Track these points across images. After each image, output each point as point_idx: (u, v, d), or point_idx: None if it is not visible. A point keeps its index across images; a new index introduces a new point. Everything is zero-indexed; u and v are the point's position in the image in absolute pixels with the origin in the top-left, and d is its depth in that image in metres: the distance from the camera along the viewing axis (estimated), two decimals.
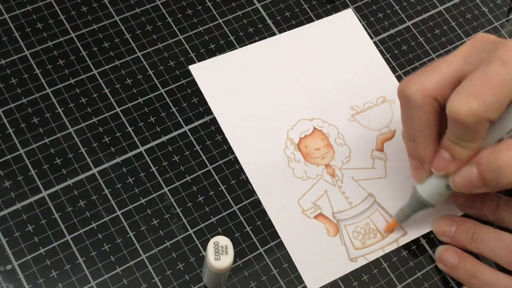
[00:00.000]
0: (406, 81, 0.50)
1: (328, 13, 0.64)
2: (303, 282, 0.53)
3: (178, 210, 0.54)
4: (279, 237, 0.54)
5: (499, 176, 0.47)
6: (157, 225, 0.53)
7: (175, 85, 0.58)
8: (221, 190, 0.55)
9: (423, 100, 0.49)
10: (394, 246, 0.55)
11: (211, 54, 0.60)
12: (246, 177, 0.56)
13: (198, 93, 0.58)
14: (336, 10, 0.64)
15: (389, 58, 0.63)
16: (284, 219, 0.55)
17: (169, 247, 0.52)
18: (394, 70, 0.63)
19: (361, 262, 0.54)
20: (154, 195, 0.54)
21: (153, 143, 0.56)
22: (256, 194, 0.55)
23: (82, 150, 0.55)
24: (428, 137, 0.50)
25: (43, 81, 0.57)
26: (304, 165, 0.57)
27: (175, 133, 0.57)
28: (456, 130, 0.48)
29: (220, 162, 0.56)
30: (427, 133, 0.50)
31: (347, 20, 0.64)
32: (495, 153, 0.47)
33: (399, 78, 0.62)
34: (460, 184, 0.50)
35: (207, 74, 0.59)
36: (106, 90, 0.57)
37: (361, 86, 0.61)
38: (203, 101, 0.58)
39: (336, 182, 0.57)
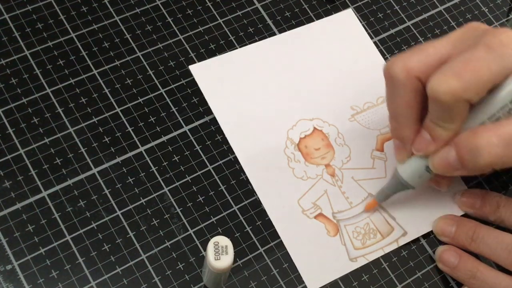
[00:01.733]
0: (392, 60, 0.50)
1: (328, 13, 0.64)
2: (303, 282, 0.53)
3: (178, 210, 0.54)
4: (279, 237, 0.54)
5: (476, 157, 0.47)
6: (157, 225, 0.53)
7: (175, 85, 0.58)
8: (221, 190, 0.55)
9: (407, 79, 0.49)
10: (394, 246, 0.55)
11: (211, 54, 0.60)
12: (246, 177, 0.56)
13: (198, 93, 0.58)
14: (336, 10, 0.64)
15: (389, 58, 0.63)
16: (284, 219, 0.55)
17: (169, 247, 0.52)
18: None
19: (361, 262, 0.54)
20: (154, 195, 0.54)
21: (153, 143, 0.56)
22: (256, 194, 0.55)
23: (82, 150, 0.55)
24: (410, 117, 0.51)
25: (43, 81, 0.57)
26: (304, 165, 0.57)
27: (175, 133, 0.57)
28: (436, 109, 0.48)
29: (220, 162, 0.56)
30: (410, 112, 0.50)
31: (347, 20, 0.64)
32: (474, 135, 0.47)
33: None
34: (438, 164, 0.50)
35: (207, 74, 0.59)
36: (106, 90, 0.57)
37: (361, 86, 0.61)
38: (203, 101, 0.58)
39: (336, 182, 0.57)
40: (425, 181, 0.53)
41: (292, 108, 0.59)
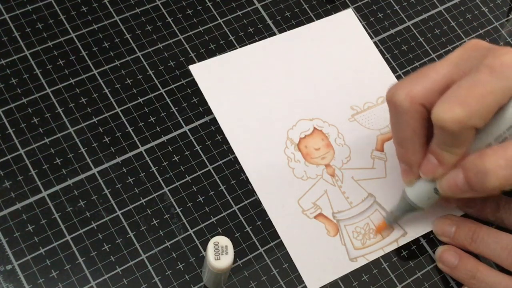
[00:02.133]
0: (395, 88, 0.50)
1: (328, 13, 0.64)
2: (303, 282, 0.53)
3: (178, 210, 0.54)
4: (279, 237, 0.54)
5: (484, 180, 0.47)
6: (157, 225, 0.53)
7: (175, 85, 0.58)
8: (221, 190, 0.55)
9: (411, 107, 0.49)
10: (394, 246, 0.55)
11: (211, 54, 0.60)
12: (246, 177, 0.56)
13: (198, 93, 0.58)
14: (336, 10, 0.64)
15: (389, 58, 0.63)
16: (284, 219, 0.55)
17: (169, 247, 0.52)
18: (394, 70, 0.63)
19: (361, 262, 0.54)
20: (154, 195, 0.54)
21: (153, 143, 0.56)
22: (256, 194, 0.55)
23: (82, 150, 0.55)
24: (416, 142, 0.51)
25: (43, 81, 0.57)
26: (304, 165, 0.57)
27: (175, 133, 0.57)
28: (442, 136, 0.48)
29: (220, 162, 0.56)
30: (415, 138, 0.50)
31: (347, 20, 0.64)
32: (481, 157, 0.47)
33: (399, 78, 0.62)
34: (446, 188, 0.50)
35: (207, 74, 0.59)
36: (106, 90, 0.57)
37: (361, 86, 0.61)
38: (203, 101, 0.58)
39: (336, 182, 0.57)
40: (434, 201, 0.53)
41: (292, 108, 0.59)
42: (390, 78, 0.62)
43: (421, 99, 0.49)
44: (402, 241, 0.55)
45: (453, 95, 0.47)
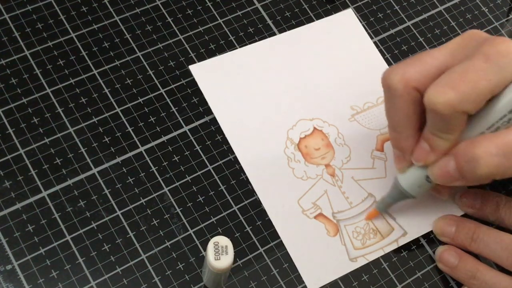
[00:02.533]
0: (389, 71, 0.50)
1: (328, 13, 0.64)
2: (303, 282, 0.53)
3: (178, 210, 0.54)
4: (279, 237, 0.54)
5: (475, 167, 0.47)
6: (157, 225, 0.53)
7: (175, 85, 0.58)
8: (221, 190, 0.55)
9: (405, 90, 0.49)
10: (394, 246, 0.55)
11: (211, 54, 0.60)
12: (246, 177, 0.56)
13: (198, 93, 0.58)
14: (336, 10, 0.64)
15: (389, 58, 0.63)
16: (284, 219, 0.55)
17: (169, 247, 0.52)
18: None
19: (361, 262, 0.54)
20: (154, 195, 0.54)
21: (153, 143, 0.56)
22: (256, 194, 0.55)
23: (82, 150, 0.55)
24: (409, 128, 0.50)
25: (43, 81, 0.57)
26: (304, 165, 0.57)
27: (175, 133, 0.57)
28: (434, 120, 0.48)
29: (220, 162, 0.56)
30: (408, 123, 0.50)
31: (347, 20, 0.64)
32: (472, 144, 0.47)
33: None
34: (437, 175, 0.50)
35: (207, 74, 0.59)
36: (106, 90, 0.57)
37: (361, 86, 0.61)
38: (203, 101, 0.58)
39: (336, 182, 0.57)
40: (426, 190, 0.53)
41: (292, 108, 0.59)
42: None
43: (415, 82, 0.49)
44: (402, 241, 0.55)
45: (446, 79, 0.47)
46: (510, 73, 0.46)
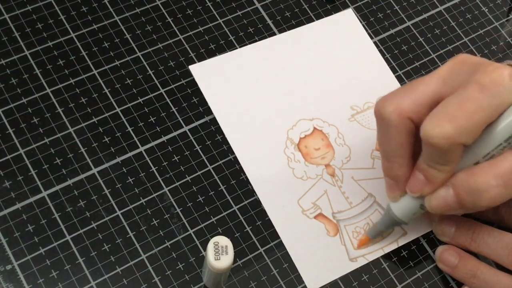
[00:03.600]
0: (383, 100, 0.50)
1: (328, 13, 0.64)
2: (303, 282, 0.53)
3: (178, 210, 0.54)
4: (279, 237, 0.54)
5: (477, 198, 0.47)
6: (157, 225, 0.53)
7: (175, 85, 0.59)
8: (221, 190, 0.55)
9: (399, 121, 0.49)
10: (394, 246, 0.55)
11: (211, 54, 0.60)
12: (246, 177, 0.56)
13: (198, 93, 0.58)
14: (336, 10, 0.64)
15: (389, 58, 0.63)
16: (284, 219, 0.55)
17: (169, 247, 0.52)
18: (394, 70, 0.63)
19: (361, 262, 0.54)
20: (154, 195, 0.54)
21: (153, 143, 0.56)
22: (256, 194, 0.55)
23: (82, 150, 0.55)
24: (402, 157, 0.50)
25: (43, 81, 0.57)
26: (304, 165, 0.57)
27: (175, 133, 0.57)
28: (430, 153, 0.48)
29: (220, 162, 0.56)
30: (402, 153, 0.50)
31: (347, 20, 0.64)
32: (473, 176, 0.47)
33: (399, 78, 0.62)
34: (436, 206, 0.50)
35: (207, 74, 0.59)
36: (106, 90, 0.57)
37: (361, 86, 0.61)
38: (203, 101, 0.58)
39: (336, 182, 0.57)
40: (418, 216, 0.53)
41: (292, 108, 0.59)
42: (390, 78, 0.62)
43: (409, 113, 0.48)
44: (402, 241, 0.55)
45: (442, 111, 0.46)
46: (503, 101, 0.46)
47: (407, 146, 0.50)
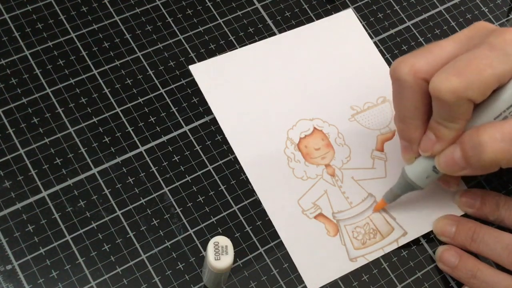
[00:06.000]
0: (398, 62, 0.50)
1: (328, 13, 0.64)
2: (303, 282, 0.53)
3: (178, 210, 0.54)
4: (279, 237, 0.54)
5: (480, 153, 0.47)
6: (157, 225, 0.53)
7: (175, 85, 0.58)
8: (221, 190, 0.55)
9: (414, 81, 0.49)
10: (394, 246, 0.55)
11: (211, 54, 0.60)
12: (246, 177, 0.56)
13: (198, 93, 0.58)
14: (336, 10, 0.64)
15: (389, 58, 0.63)
16: (284, 219, 0.55)
17: (169, 247, 0.52)
18: None
19: (361, 262, 0.54)
20: (154, 195, 0.54)
21: (153, 143, 0.56)
22: (256, 194, 0.55)
23: (82, 150, 0.55)
24: (417, 118, 0.51)
25: (43, 81, 0.57)
26: (304, 165, 0.57)
27: (175, 133, 0.57)
28: (439, 109, 0.48)
29: (220, 162, 0.56)
30: (417, 114, 0.50)
31: (347, 20, 0.64)
32: (478, 131, 0.47)
33: None
34: (444, 164, 0.50)
35: (207, 74, 0.59)
36: (106, 90, 0.57)
37: (361, 86, 0.61)
38: (203, 101, 0.58)
39: (336, 182, 0.57)
40: (433, 181, 0.53)
41: (292, 108, 0.59)
42: (390, 78, 0.62)
43: (424, 73, 0.49)
44: (402, 241, 0.55)
45: (452, 67, 0.47)
46: None
47: (421, 108, 0.50)
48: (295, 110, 0.59)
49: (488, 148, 0.47)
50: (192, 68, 0.59)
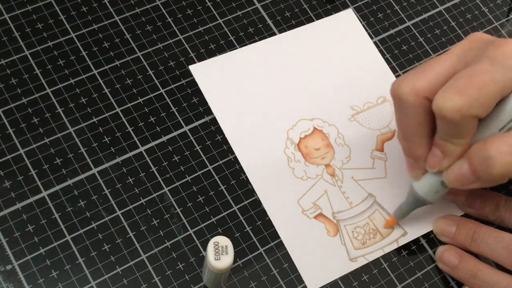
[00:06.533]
0: (399, 82, 0.50)
1: (328, 13, 0.64)
2: (303, 282, 0.53)
3: (178, 210, 0.54)
4: (279, 237, 0.54)
5: (489, 166, 0.47)
6: (157, 225, 0.53)
7: (175, 85, 0.58)
8: (221, 190, 0.55)
9: (416, 101, 0.49)
10: (394, 246, 0.55)
11: (211, 54, 0.60)
12: (246, 177, 0.56)
13: (198, 93, 0.58)
14: (336, 10, 0.64)
15: (389, 58, 0.63)
16: (284, 219, 0.55)
17: (169, 247, 0.52)
18: (394, 70, 0.63)
19: (361, 262, 0.54)
20: (154, 195, 0.54)
21: (153, 143, 0.56)
22: (256, 194, 0.55)
23: (82, 150, 0.55)
24: (421, 136, 0.50)
25: (43, 81, 0.57)
26: (304, 165, 0.57)
27: (175, 133, 0.57)
28: (444, 127, 0.48)
29: (220, 162, 0.56)
30: (420, 132, 0.50)
31: (347, 20, 0.64)
32: (485, 145, 0.47)
33: None
34: (452, 179, 0.50)
35: (207, 74, 0.59)
36: (106, 90, 0.57)
37: (361, 86, 0.61)
38: (203, 101, 0.58)
39: (336, 182, 0.57)
40: (442, 195, 0.53)
41: (292, 108, 0.59)
42: (390, 78, 0.62)
43: (426, 92, 0.49)
44: (402, 241, 0.55)
45: (453, 85, 0.47)
46: None
47: (425, 125, 0.50)
48: (295, 110, 0.59)
49: (497, 161, 0.47)
50: (192, 68, 0.59)
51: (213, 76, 0.59)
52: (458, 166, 0.49)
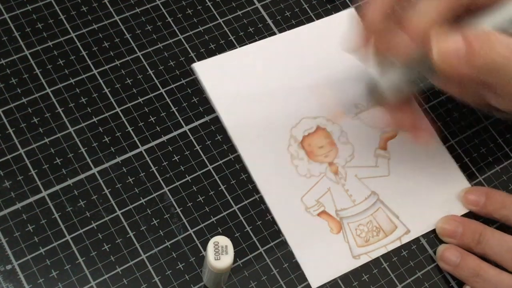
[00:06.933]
0: None
1: (328, 13, 0.64)
2: (303, 282, 0.53)
3: (178, 210, 0.54)
4: (280, 237, 0.54)
5: (489, 49, 0.44)
6: (157, 225, 0.53)
7: (175, 85, 0.58)
8: (221, 190, 0.55)
9: None
10: (397, 244, 0.55)
11: (211, 54, 0.60)
12: (247, 177, 0.56)
13: (198, 92, 0.58)
14: (336, 10, 0.64)
15: None
16: (287, 216, 0.55)
17: (169, 247, 0.52)
18: None
19: (364, 259, 0.54)
20: (154, 195, 0.54)
21: (153, 143, 0.56)
22: (257, 194, 0.55)
23: (82, 150, 0.55)
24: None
25: (43, 81, 0.57)
26: (307, 163, 0.57)
27: (175, 133, 0.56)
28: None
29: (220, 162, 0.56)
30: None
31: (347, 20, 0.64)
32: (488, 32, 0.45)
33: None
34: (444, 54, 0.45)
35: (211, 72, 0.59)
36: (106, 90, 0.57)
37: (363, 84, 0.61)
38: (203, 101, 0.58)
39: (339, 180, 0.57)
40: (400, 92, 0.51)
41: (295, 106, 0.59)
42: None
43: None
44: (405, 239, 0.55)
45: None
46: None
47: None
48: (298, 108, 0.59)
49: (497, 46, 0.44)
50: (196, 66, 0.59)
51: (217, 74, 0.59)
52: (453, 41, 0.45)
